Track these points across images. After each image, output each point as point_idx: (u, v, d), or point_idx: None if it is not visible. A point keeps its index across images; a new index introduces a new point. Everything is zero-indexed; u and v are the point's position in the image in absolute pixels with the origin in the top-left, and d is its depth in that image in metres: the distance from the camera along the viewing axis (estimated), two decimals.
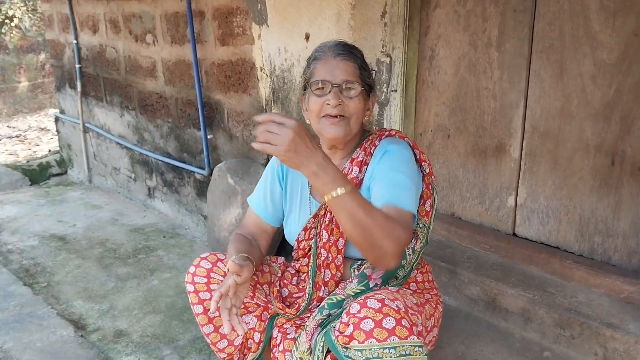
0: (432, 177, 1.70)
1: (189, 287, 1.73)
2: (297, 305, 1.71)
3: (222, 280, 1.73)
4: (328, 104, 1.56)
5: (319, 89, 1.59)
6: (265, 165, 2.88)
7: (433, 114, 2.34)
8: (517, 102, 2.11)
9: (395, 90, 2.26)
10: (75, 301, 2.70)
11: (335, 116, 1.57)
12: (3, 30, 7.39)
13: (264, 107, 2.85)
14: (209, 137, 3.26)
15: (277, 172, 1.82)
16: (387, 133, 1.70)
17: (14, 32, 7.48)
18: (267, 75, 2.77)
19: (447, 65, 2.26)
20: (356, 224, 1.40)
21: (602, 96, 1.92)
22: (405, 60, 2.23)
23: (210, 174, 3.17)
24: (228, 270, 1.63)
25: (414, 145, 1.68)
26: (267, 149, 1.34)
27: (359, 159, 1.66)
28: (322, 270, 1.69)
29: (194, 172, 3.42)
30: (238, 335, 1.73)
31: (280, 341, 1.71)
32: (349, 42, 1.66)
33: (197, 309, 1.72)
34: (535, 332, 1.95)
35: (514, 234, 2.25)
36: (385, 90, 2.27)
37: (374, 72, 1.71)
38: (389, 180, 1.54)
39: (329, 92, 1.56)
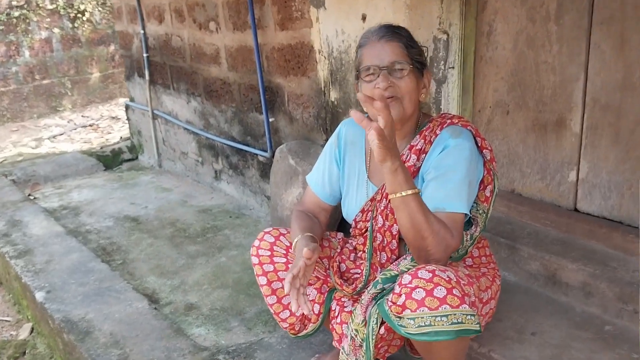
0: (494, 163, 1.71)
1: (254, 260, 1.82)
2: (354, 285, 1.77)
3: (284, 254, 1.82)
4: (378, 87, 1.58)
5: (368, 75, 1.63)
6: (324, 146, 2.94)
7: (492, 89, 2.34)
8: (577, 75, 2.08)
9: (453, 67, 2.27)
10: (149, 277, 2.87)
11: (388, 98, 1.60)
12: (76, 25, 7.76)
13: (322, 89, 2.91)
14: (270, 120, 3.35)
15: (334, 153, 1.88)
16: (449, 121, 1.69)
17: (85, 25, 7.84)
18: (325, 57, 2.82)
19: (505, 40, 2.24)
20: (414, 225, 1.49)
21: None
22: (462, 37, 2.23)
23: (272, 156, 3.26)
24: (294, 249, 1.71)
25: (476, 133, 1.69)
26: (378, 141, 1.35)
27: (417, 147, 1.68)
28: (378, 253, 1.75)
29: (257, 154, 3.53)
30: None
31: (338, 313, 1.78)
32: (404, 20, 1.68)
33: (262, 280, 1.81)
34: (596, 307, 1.93)
35: (576, 209, 2.23)
36: (442, 67, 2.28)
37: (424, 48, 1.72)
38: (444, 180, 1.57)
39: (379, 76, 1.60)
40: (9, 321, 2.90)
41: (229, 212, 3.68)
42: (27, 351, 2.62)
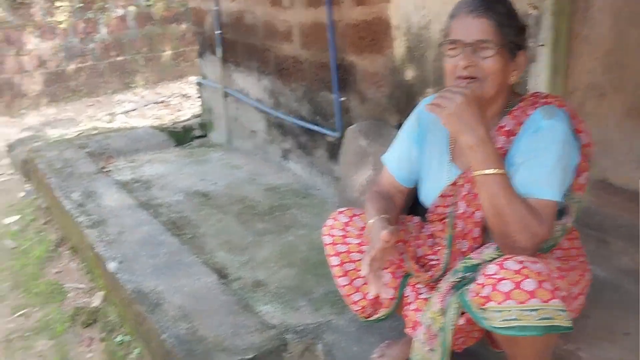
0: (590, 148, 1.58)
1: (327, 239, 1.77)
2: (431, 272, 1.69)
3: (358, 235, 1.76)
4: (458, 65, 1.49)
5: (451, 49, 1.52)
6: (398, 127, 2.86)
7: (586, 70, 2.17)
8: None
9: (544, 45, 2.12)
10: (218, 252, 2.88)
11: (466, 78, 1.49)
12: (150, 2, 7.91)
13: (398, 67, 2.81)
14: (341, 99, 3.28)
15: (415, 134, 1.78)
16: (542, 101, 1.56)
17: (159, 3, 7.98)
18: (402, 34, 2.72)
19: (603, 16, 2.07)
20: (494, 208, 1.40)
21: None
22: (555, 12, 2.08)
23: (342, 137, 3.20)
24: (368, 231, 1.64)
25: (573, 115, 1.56)
26: (434, 109, 1.42)
27: (506, 128, 1.56)
28: (459, 240, 1.66)
29: (326, 134, 3.47)
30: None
31: (413, 300, 1.71)
32: None
33: (334, 260, 1.76)
34: None
35: None
36: (532, 44, 2.14)
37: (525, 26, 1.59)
38: (534, 163, 1.45)
39: (462, 53, 1.49)
40: (82, 288, 2.98)
41: (296, 191, 3.65)
42: (98, 319, 2.68)
